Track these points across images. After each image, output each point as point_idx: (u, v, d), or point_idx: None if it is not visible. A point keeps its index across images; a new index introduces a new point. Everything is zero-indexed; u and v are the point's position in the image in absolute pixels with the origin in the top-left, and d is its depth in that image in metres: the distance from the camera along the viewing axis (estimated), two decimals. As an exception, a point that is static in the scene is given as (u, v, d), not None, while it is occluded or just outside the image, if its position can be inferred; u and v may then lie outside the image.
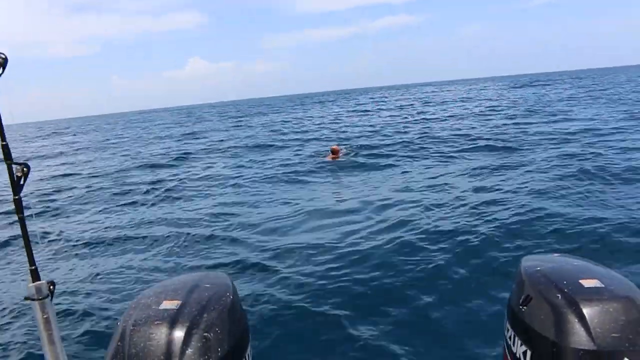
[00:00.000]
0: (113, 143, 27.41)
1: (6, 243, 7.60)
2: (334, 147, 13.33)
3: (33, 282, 1.08)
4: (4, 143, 1.06)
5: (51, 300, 1.10)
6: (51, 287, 1.10)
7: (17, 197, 1.06)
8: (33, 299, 1.08)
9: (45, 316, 1.08)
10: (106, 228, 8.08)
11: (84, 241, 7.32)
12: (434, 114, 26.10)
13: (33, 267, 1.09)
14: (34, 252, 1.09)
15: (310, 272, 5.02)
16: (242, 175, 12.01)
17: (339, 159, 12.76)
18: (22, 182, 1.06)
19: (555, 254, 1.52)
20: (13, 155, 1.05)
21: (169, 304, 1.17)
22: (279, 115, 40.63)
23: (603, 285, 1.19)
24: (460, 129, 17.27)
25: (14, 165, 1.05)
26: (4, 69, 1.04)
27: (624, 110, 18.75)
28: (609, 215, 5.99)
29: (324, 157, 13.29)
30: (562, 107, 22.79)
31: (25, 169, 1.06)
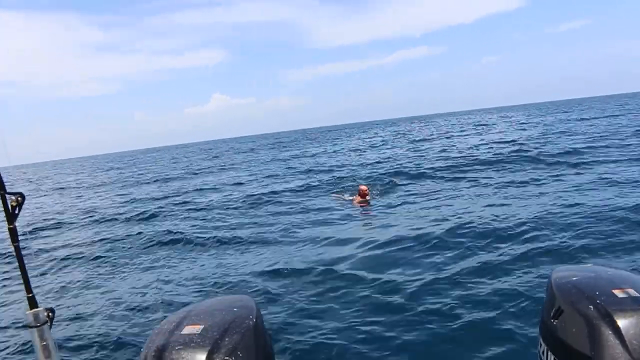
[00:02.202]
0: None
1: (5, 271, 7.58)
2: (363, 186, 10.23)
3: (30, 310, 1.08)
4: None
5: (50, 327, 1.09)
6: (50, 314, 1.10)
7: (11, 226, 1.08)
8: (31, 326, 1.08)
9: (43, 343, 1.08)
10: (112, 248, 8.11)
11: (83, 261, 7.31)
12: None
13: (30, 295, 1.09)
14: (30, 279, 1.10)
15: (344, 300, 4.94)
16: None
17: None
18: (17, 212, 1.08)
19: (587, 264, 1.47)
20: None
21: (191, 329, 1.16)
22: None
23: (638, 295, 1.13)
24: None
25: (7, 195, 1.06)
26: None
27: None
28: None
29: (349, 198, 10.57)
30: None
31: (19, 198, 1.07)
